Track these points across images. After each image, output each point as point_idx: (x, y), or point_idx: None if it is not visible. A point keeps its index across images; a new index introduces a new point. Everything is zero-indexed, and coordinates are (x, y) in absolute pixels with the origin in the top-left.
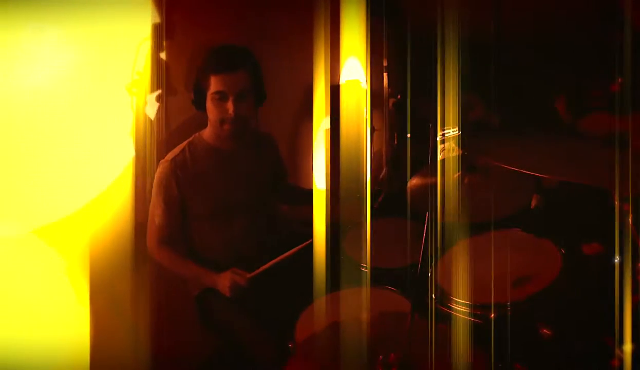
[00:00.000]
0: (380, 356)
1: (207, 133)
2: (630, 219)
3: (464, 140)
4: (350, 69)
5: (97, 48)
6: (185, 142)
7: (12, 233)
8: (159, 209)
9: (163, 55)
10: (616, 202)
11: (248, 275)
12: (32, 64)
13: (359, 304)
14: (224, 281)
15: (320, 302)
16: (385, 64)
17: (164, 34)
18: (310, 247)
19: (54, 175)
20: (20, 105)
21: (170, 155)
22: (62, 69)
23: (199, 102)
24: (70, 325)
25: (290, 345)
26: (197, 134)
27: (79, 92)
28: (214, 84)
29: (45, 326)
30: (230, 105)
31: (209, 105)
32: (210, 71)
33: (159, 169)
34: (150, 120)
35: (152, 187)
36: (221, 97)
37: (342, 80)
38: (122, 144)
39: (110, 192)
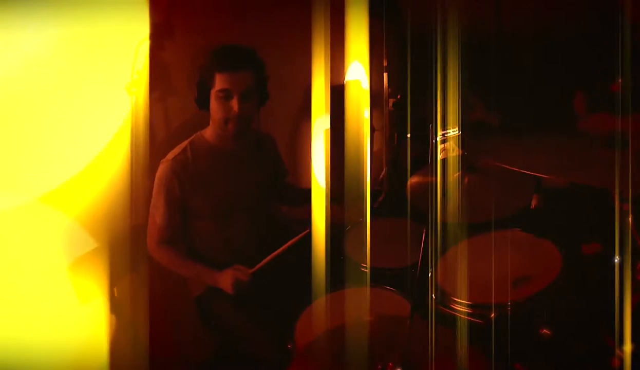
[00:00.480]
0: (380, 358)
1: (208, 132)
2: (630, 219)
3: (464, 140)
4: (351, 69)
5: (97, 48)
6: (186, 142)
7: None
8: (160, 208)
9: (163, 55)
10: (616, 202)
11: (250, 271)
12: (32, 64)
13: (358, 304)
14: (226, 278)
15: (320, 302)
16: (385, 64)
17: (164, 34)
18: (308, 237)
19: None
20: (20, 105)
21: (171, 155)
22: (62, 68)
23: (202, 100)
24: (69, 325)
25: (289, 346)
26: (198, 133)
27: (79, 92)
28: (219, 82)
29: (44, 317)
30: (234, 104)
31: (213, 103)
32: (215, 69)
33: (160, 169)
34: (150, 120)
35: (151, 187)
36: (226, 95)
37: (343, 81)
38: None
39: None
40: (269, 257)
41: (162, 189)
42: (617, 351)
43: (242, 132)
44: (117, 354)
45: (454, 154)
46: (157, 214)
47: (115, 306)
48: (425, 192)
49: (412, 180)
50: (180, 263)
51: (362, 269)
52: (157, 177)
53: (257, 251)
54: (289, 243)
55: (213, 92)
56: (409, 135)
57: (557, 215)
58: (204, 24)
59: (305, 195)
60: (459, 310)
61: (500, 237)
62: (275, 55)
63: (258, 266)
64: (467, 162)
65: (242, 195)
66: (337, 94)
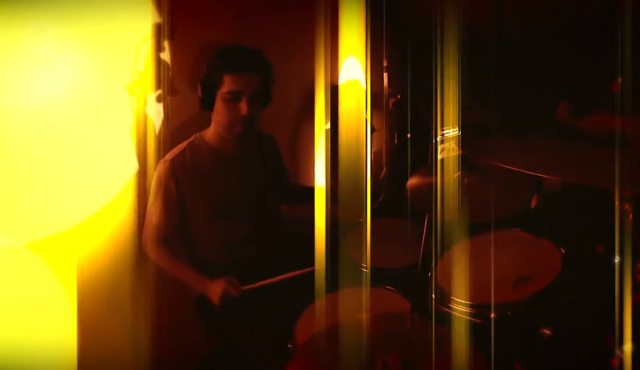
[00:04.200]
0: (380, 358)
1: (209, 134)
2: (630, 219)
3: (464, 140)
4: (351, 69)
5: (97, 48)
6: (185, 143)
7: (6, 243)
8: (157, 209)
9: (164, 55)
10: (616, 202)
11: (242, 288)
12: (32, 64)
13: (358, 304)
14: (216, 289)
15: (320, 302)
16: (385, 64)
17: (165, 34)
18: (311, 275)
19: (53, 182)
20: (20, 107)
21: (169, 156)
22: (62, 69)
23: (207, 101)
24: (68, 328)
25: (289, 346)
26: (198, 134)
27: (79, 93)
28: (227, 84)
29: (40, 330)
30: (243, 106)
31: (219, 105)
32: (224, 70)
33: (158, 169)
34: (151, 121)
35: (150, 187)
36: (234, 97)
37: (342, 81)
38: (123, 150)
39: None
40: (265, 282)
41: (160, 189)
42: (617, 351)
43: (246, 135)
44: (117, 354)
45: (454, 154)
46: (154, 213)
47: (115, 306)
48: (425, 192)
49: (412, 180)
50: (173, 265)
51: (362, 269)
52: (155, 177)
53: (257, 254)
54: (289, 274)
55: (220, 94)
56: (409, 135)
57: (557, 215)
58: (205, 24)
59: (306, 194)
60: (459, 310)
61: (500, 237)
62: (275, 55)
63: (251, 286)
64: (467, 162)
65: (242, 198)
66: (338, 94)
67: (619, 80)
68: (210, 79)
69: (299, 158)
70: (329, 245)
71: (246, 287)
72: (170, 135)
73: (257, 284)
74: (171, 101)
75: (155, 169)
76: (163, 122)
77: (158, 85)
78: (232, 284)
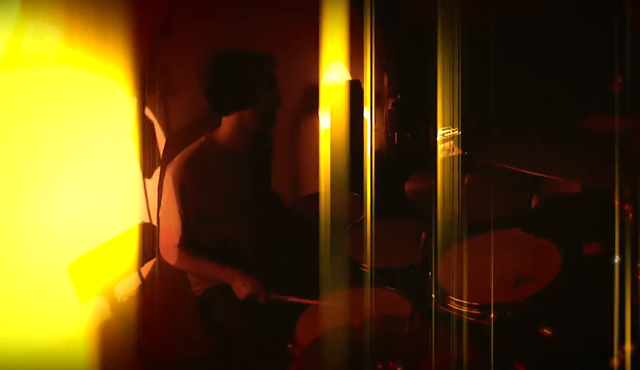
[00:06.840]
0: (381, 358)
1: (221, 133)
2: (630, 219)
3: (464, 140)
4: (351, 69)
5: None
6: (196, 143)
7: None
8: (172, 211)
9: (164, 56)
10: (616, 202)
11: (267, 296)
12: (32, 64)
13: (359, 304)
14: (242, 287)
15: (320, 302)
16: (385, 64)
17: (166, 35)
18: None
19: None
20: (20, 106)
21: (183, 155)
22: (63, 69)
23: (227, 90)
24: (69, 324)
25: (290, 346)
26: (207, 134)
27: (80, 94)
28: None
29: (43, 324)
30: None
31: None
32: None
33: (172, 171)
34: (152, 122)
35: (155, 190)
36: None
37: (343, 81)
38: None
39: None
40: (293, 299)
41: (175, 191)
42: (617, 351)
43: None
44: (117, 353)
45: (454, 153)
46: (171, 218)
47: (116, 306)
48: (425, 191)
49: (411, 179)
50: (198, 264)
51: (362, 269)
52: (168, 180)
53: (268, 251)
54: (315, 301)
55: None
56: (408, 135)
57: (557, 215)
58: (207, 24)
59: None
60: (459, 310)
61: (500, 237)
62: (275, 55)
63: (278, 297)
64: (467, 162)
65: (254, 195)
66: (338, 94)
67: (619, 80)
68: (217, 70)
69: (299, 158)
70: (329, 245)
71: (272, 297)
72: (172, 137)
73: (283, 298)
74: (172, 103)
75: (159, 172)
76: (164, 124)
77: (158, 86)
78: (259, 292)
